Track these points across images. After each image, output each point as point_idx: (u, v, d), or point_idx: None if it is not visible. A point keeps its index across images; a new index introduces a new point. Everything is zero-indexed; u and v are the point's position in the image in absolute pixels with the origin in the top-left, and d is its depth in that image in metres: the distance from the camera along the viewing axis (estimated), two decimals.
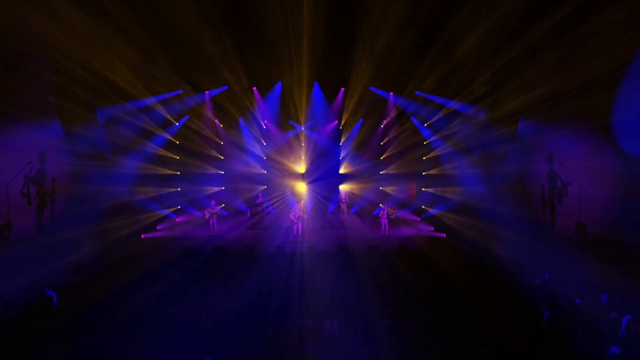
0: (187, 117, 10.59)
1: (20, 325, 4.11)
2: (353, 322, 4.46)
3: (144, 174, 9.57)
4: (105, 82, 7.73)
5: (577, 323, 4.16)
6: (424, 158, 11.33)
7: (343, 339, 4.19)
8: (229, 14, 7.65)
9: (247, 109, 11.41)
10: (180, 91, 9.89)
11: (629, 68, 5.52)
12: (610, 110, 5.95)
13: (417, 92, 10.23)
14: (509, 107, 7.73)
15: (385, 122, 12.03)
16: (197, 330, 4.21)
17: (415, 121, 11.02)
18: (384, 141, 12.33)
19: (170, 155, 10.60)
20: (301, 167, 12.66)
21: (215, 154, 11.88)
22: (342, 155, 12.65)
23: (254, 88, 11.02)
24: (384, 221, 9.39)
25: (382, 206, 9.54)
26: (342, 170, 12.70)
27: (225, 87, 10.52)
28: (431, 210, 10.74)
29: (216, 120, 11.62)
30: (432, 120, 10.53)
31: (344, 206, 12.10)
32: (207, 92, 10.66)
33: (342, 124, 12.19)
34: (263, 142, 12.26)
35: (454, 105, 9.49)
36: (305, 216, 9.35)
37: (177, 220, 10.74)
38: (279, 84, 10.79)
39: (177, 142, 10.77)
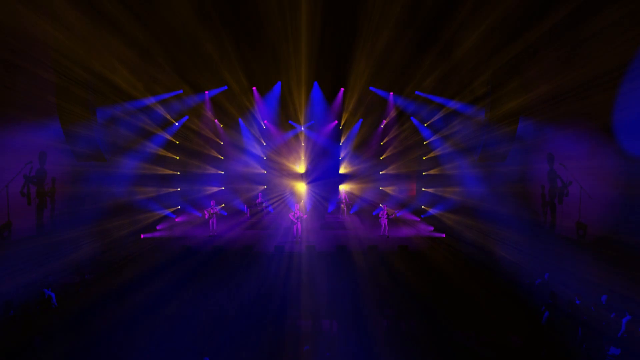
0: (187, 117, 10.60)
1: (19, 325, 4.11)
2: (352, 323, 4.45)
3: (144, 174, 9.58)
4: (104, 82, 7.74)
5: (577, 323, 4.15)
6: (424, 158, 11.32)
7: (342, 340, 4.18)
8: (228, 14, 7.66)
9: (246, 109, 11.41)
10: (180, 91, 9.90)
11: (629, 68, 5.50)
12: (610, 110, 5.94)
13: (417, 92, 10.22)
14: (509, 107, 7.72)
15: (385, 122, 12.02)
16: (195, 331, 4.20)
17: (415, 121, 11.01)
18: (384, 141, 12.32)
19: (170, 155, 10.61)
20: (301, 167, 12.66)
21: (215, 154, 11.89)
22: (341, 155, 12.64)
23: (254, 88, 11.02)
24: (384, 221, 9.38)
25: (382, 206, 9.53)
26: (341, 170, 12.69)
27: (225, 87, 10.53)
28: (431, 211, 10.72)
29: (216, 120, 11.62)
30: (432, 120, 10.52)
31: (343, 206, 12.10)
32: (206, 92, 10.67)
33: (342, 124, 12.19)
34: (263, 142, 12.26)
35: (454, 105, 9.49)
36: (305, 216, 9.34)
37: (176, 220, 10.74)
38: (279, 84, 10.78)
39: (177, 142, 10.78)
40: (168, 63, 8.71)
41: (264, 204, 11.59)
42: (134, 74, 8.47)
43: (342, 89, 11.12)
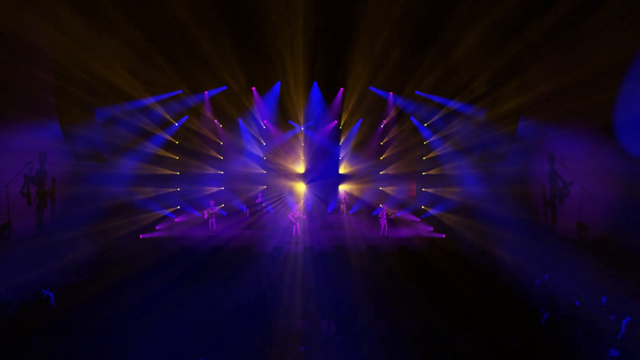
0: (186, 117, 10.61)
1: (17, 325, 4.12)
2: (350, 323, 4.44)
3: (144, 174, 9.60)
4: (104, 83, 7.76)
5: (576, 325, 4.11)
6: (423, 158, 11.28)
7: (340, 340, 4.17)
8: (227, 14, 7.65)
9: (246, 109, 11.41)
10: (180, 91, 9.91)
11: (630, 66, 5.46)
12: (611, 110, 5.89)
13: (416, 92, 10.19)
14: (509, 106, 7.68)
15: (384, 122, 11.98)
16: (193, 331, 4.20)
17: (415, 121, 10.97)
18: (384, 141, 12.29)
19: (169, 155, 10.62)
20: (300, 167, 12.65)
21: (214, 154, 11.90)
22: (341, 155, 12.62)
23: (253, 88, 11.02)
24: (384, 222, 9.36)
25: (382, 206, 9.50)
26: (341, 171, 12.67)
27: (225, 87, 10.53)
28: (431, 211, 10.69)
29: (215, 121, 11.63)
30: (432, 120, 10.48)
31: (343, 206, 12.08)
32: (206, 92, 10.67)
33: (341, 124, 12.16)
34: (262, 142, 12.25)
35: (453, 104, 9.45)
36: (304, 216, 9.34)
37: (176, 220, 10.75)
38: (278, 84, 10.78)
39: (177, 142, 10.79)
40: (167, 63, 8.72)
41: (264, 204, 11.59)
42: (133, 74, 8.49)
43: (342, 88, 11.10)
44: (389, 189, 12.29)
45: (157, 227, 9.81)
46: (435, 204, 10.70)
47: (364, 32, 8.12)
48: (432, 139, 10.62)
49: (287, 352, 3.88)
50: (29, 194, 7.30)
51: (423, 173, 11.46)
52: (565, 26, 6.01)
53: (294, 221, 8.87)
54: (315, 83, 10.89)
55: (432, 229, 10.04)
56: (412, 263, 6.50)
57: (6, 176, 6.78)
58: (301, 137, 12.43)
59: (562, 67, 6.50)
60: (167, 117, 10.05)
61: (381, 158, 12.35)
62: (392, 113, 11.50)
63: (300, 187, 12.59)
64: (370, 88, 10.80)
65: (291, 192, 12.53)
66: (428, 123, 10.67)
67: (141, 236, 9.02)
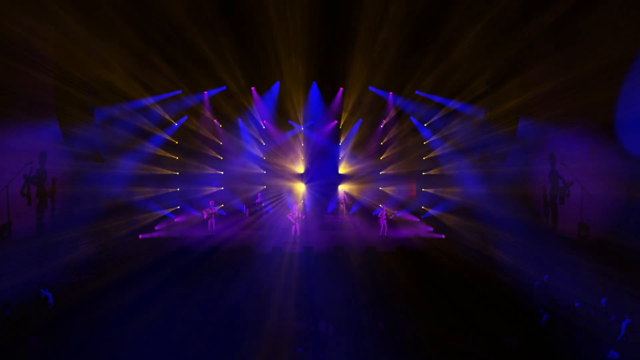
0: (185, 117, 10.62)
1: (15, 326, 4.13)
2: (348, 325, 4.42)
3: (143, 174, 9.61)
4: (103, 84, 7.77)
5: (576, 326, 4.08)
6: (423, 158, 11.25)
7: (337, 342, 4.15)
8: (226, 14, 7.66)
9: (245, 109, 11.42)
10: (179, 91, 9.92)
11: (631, 65, 5.42)
12: (612, 109, 5.85)
13: (416, 92, 10.16)
14: (509, 106, 7.65)
15: (384, 122, 11.96)
16: (191, 331, 4.20)
17: (414, 121, 10.94)
18: (384, 141, 12.26)
19: (169, 155, 10.64)
20: (300, 168, 12.64)
21: (214, 154, 11.90)
22: (341, 155, 12.59)
23: (252, 88, 11.02)
24: (383, 222, 9.33)
25: (382, 207, 9.48)
26: (341, 171, 12.65)
27: (224, 87, 10.54)
28: (431, 211, 10.65)
29: (215, 121, 11.63)
30: (432, 120, 10.45)
31: (343, 207, 12.05)
32: (205, 92, 10.68)
33: (341, 124, 12.14)
34: (262, 142, 12.25)
35: (453, 104, 9.41)
36: (304, 217, 9.32)
37: (175, 220, 10.76)
38: (277, 84, 10.77)
39: (177, 143, 10.81)
40: (166, 63, 8.74)
41: (263, 204, 11.59)
42: (132, 74, 8.50)
43: (341, 88, 11.08)
44: (388, 189, 12.26)
45: (156, 227, 9.82)
46: (435, 204, 10.66)
47: (364, 32, 8.10)
48: (432, 139, 10.58)
49: (282, 353, 3.87)
50: (29, 194, 7.32)
51: (423, 173, 11.43)
52: (564, 25, 5.97)
53: (293, 221, 8.86)
54: (314, 83, 10.87)
55: (431, 229, 10.00)
56: (411, 263, 6.48)
57: (6, 176, 6.81)
58: (301, 137, 12.42)
59: (562, 67, 6.46)
60: (167, 117, 10.06)
61: (381, 158, 12.32)
62: (392, 113, 11.47)
63: (300, 187, 12.58)
64: (370, 88, 10.78)
65: (290, 192, 12.52)
66: (428, 123, 10.64)
67: (140, 236, 9.03)
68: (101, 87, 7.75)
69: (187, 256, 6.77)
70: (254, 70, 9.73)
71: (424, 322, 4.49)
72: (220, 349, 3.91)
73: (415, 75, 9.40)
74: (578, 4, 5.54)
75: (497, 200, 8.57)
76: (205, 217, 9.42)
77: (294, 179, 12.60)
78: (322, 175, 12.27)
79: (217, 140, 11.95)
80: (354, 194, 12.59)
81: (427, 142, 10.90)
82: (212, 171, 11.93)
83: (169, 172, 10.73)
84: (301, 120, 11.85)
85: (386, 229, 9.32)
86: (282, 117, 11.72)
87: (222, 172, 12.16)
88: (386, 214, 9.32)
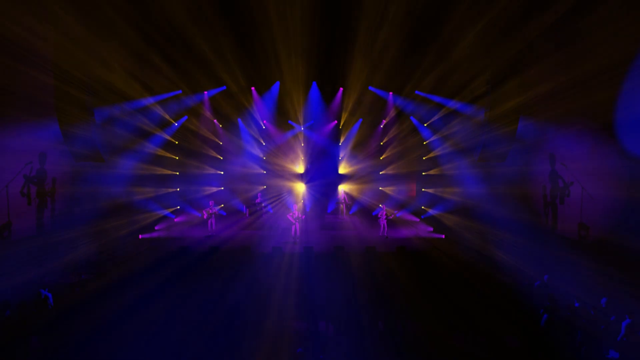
0: (185, 117, 10.62)
1: (15, 326, 4.13)
2: (348, 325, 4.42)
3: (143, 174, 9.61)
4: (103, 84, 7.77)
5: (576, 326, 4.08)
6: (423, 158, 11.25)
7: (337, 342, 4.15)
8: (226, 14, 7.66)
9: (245, 109, 11.41)
10: (179, 91, 9.92)
11: (631, 65, 5.41)
12: (612, 109, 5.85)
13: (416, 92, 10.16)
14: (509, 106, 7.64)
15: (384, 122, 11.95)
16: (190, 331, 4.20)
17: (414, 121, 10.94)
18: (384, 141, 12.26)
19: (169, 155, 10.64)
20: (300, 168, 12.64)
21: (214, 154, 11.90)
22: (341, 155, 12.59)
23: (252, 88, 11.02)
24: (383, 222, 9.33)
25: (382, 207, 9.48)
26: (341, 171, 12.65)
27: (224, 87, 10.53)
28: (431, 211, 10.65)
29: (215, 120, 11.63)
30: (432, 120, 10.45)
31: (343, 207, 12.05)
32: (205, 92, 10.68)
33: (341, 124, 12.14)
34: (262, 142, 12.25)
35: (453, 104, 9.41)
36: (303, 217, 9.32)
37: (175, 220, 10.76)
38: (277, 84, 10.77)
39: (177, 143, 10.81)
40: (166, 63, 8.74)
41: (263, 204, 11.59)
42: (132, 74, 8.50)
43: (341, 88, 11.08)
44: (388, 189, 12.26)
45: (156, 227, 9.82)
46: (435, 204, 10.66)
47: (364, 32, 8.10)
48: (432, 139, 10.58)
49: (282, 353, 3.87)
50: (29, 194, 7.32)
51: (423, 173, 11.42)
52: (564, 25, 5.97)
53: (293, 221, 8.86)
54: (314, 83, 10.87)
55: (431, 229, 10.00)
56: (411, 264, 6.48)
57: (6, 176, 6.81)
58: (301, 137, 12.41)
59: (562, 67, 6.46)
60: (167, 117, 10.06)
61: (381, 158, 12.32)
62: (392, 113, 11.47)
63: (300, 187, 12.58)
64: (370, 88, 10.78)
65: (290, 192, 12.52)
66: (428, 123, 10.63)
67: (140, 236, 9.03)
68: (101, 87, 7.74)
69: (187, 256, 6.77)
70: (254, 70, 9.73)
71: (424, 322, 4.49)
72: (220, 349, 3.91)
73: (415, 75, 9.40)
74: (578, 4, 5.54)
75: (497, 200, 8.57)
76: (205, 217, 9.42)
77: (294, 179, 12.59)
78: (322, 175, 12.26)
79: (217, 140, 11.94)
80: (354, 194, 12.59)
81: (427, 142, 10.90)
82: (212, 171, 11.93)
83: (169, 172, 10.73)
84: (301, 120, 11.85)
85: (386, 229, 9.32)
86: (282, 117, 11.72)
87: (222, 172, 12.16)
88: (386, 214, 9.32)
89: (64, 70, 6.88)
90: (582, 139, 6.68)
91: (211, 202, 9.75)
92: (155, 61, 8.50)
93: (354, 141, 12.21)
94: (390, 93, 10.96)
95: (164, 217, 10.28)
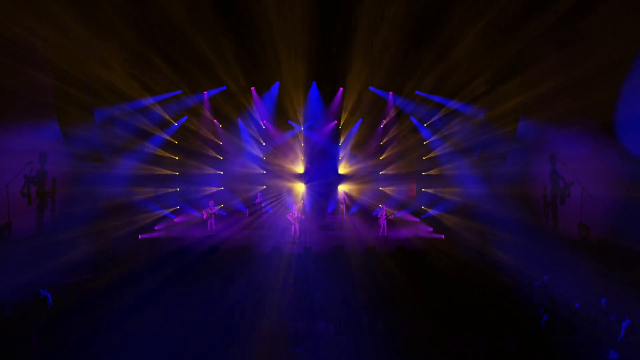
0: (185, 118, 10.63)
1: (14, 326, 4.14)
2: (347, 325, 4.41)
3: (143, 174, 9.62)
4: (103, 84, 7.78)
5: (575, 327, 4.07)
6: (423, 158, 11.24)
7: (336, 342, 4.14)
8: (226, 15, 7.66)
9: (245, 109, 11.42)
10: (179, 91, 9.93)
11: (631, 65, 5.40)
12: (612, 109, 5.84)
13: (416, 92, 10.15)
14: (509, 106, 7.63)
15: (384, 122, 11.94)
16: (189, 330, 4.20)
17: (414, 121, 10.93)
18: (384, 141, 12.25)
19: (169, 155, 10.65)
20: (300, 168, 12.64)
21: (214, 154, 11.91)
22: (341, 155, 12.59)
23: (252, 88, 11.02)
24: (383, 222, 9.32)
25: (381, 207, 9.47)
26: (341, 171, 12.64)
27: (224, 87, 10.54)
28: (431, 211, 10.64)
29: (215, 121, 11.64)
30: (432, 120, 10.44)
31: (342, 207, 12.04)
32: (205, 92, 10.68)
33: (341, 123, 12.14)
34: (262, 142, 12.26)
35: (453, 104, 9.40)
36: (303, 217, 9.31)
37: (175, 220, 10.77)
38: (277, 84, 10.77)
39: (176, 143, 10.82)
40: (166, 64, 8.74)
41: (263, 204, 11.58)
42: (132, 74, 8.51)
43: (341, 88, 11.07)
44: (388, 189, 12.25)
45: (155, 227, 9.82)
46: (435, 205, 10.65)
47: (363, 32, 8.09)
48: (432, 139, 10.57)
49: (281, 353, 3.86)
50: (29, 194, 7.33)
51: (423, 173, 11.41)
52: (565, 25, 5.96)
53: (293, 222, 8.85)
54: (314, 83, 10.87)
55: (431, 229, 9.98)
56: (411, 264, 6.47)
57: (6, 176, 6.82)
58: (300, 137, 12.41)
59: (562, 67, 6.44)
60: (167, 117, 10.07)
61: (381, 158, 12.31)
62: (392, 113, 11.46)
63: (300, 188, 12.58)
64: (370, 88, 10.77)
65: (290, 192, 12.52)
66: (428, 123, 10.63)
67: (140, 236, 9.03)
68: (101, 87, 7.75)
69: (186, 256, 6.77)
70: (254, 70, 9.73)
71: (424, 322, 4.48)
72: (220, 348, 3.91)
73: (415, 75, 9.39)
74: (578, 4, 5.53)
75: (497, 200, 8.56)
76: (205, 217, 9.43)
77: (294, 179, 12.59)
78: (321, 175, 12.25)
79: (217, 140, 11.95)
80: (354, 194, 12.58)
81: (427, 142, 10.89)
82: (212, 171, 11.93)
83: (169, 172, 10.74)
84: (301, 120, 11.85)
85: (386, 229, 9.31)
86: (281, 117, 11.71)
87: (222, 172, 12.16)
88: (386, 214, 9.31)
89: (64, 70, 6.89)
90: (582, 139, 6.66)
91: (211, 202, 9.75)
92: (155, 61, 8.50)
93: (354, 141, 12.20)
94: (390, 93, 10.94)
95: (164, 217, 10.29)
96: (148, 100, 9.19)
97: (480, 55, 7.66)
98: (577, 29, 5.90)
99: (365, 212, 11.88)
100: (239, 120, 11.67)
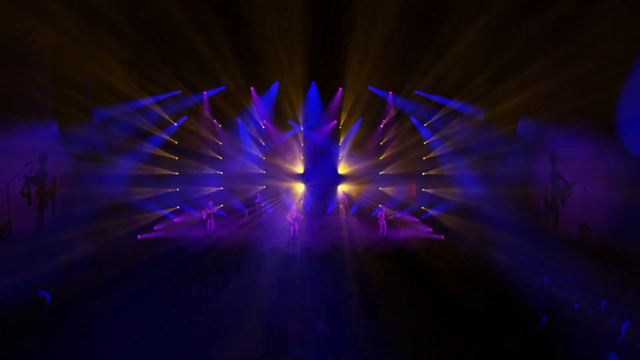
0: (185, 118, 10.64)
1: (12, 326, 4.14)
2: (345, 326, 4.40)
3: (143, 174, 9.64)
4: (102, 84, 7.80)
5: (575, 329, 4.04)
6: (423, 158, 11.20)
7: (332, 343, 4.13)
8: (225, 15, 7.66)
9: (245, 109, 11.42)
10: (179, 92, 9.94)
11: (632, 64, 5.35)
12: (613, 109, 5.79)
13: (416, 92, 10.12)
14: (509, 106, 7.59)
15: (384, 122, 11.92)
16: (187, 331, 4.20)
17: (414, 121, 10.90)
18: (383, 141, 12.22)
19: (168, 155, 10.66)
20: (299, 168, 12.63)
21: (213, 154, 11.92)
22: (340, 155, 12.57)
23: (252, 88, 11.02)
24: (382, 222, 9.29)
25: (381, 207, 9.44)
26: (340, 171, 12.62)
27: (223, 87, 10.54)
28: (431, 212, 10.60)
29: (214, 121, 11.64)
30: (432, 120, 10.41)
31: (342, 207, 12.02)
32: (204, 92, 10.69)
33: (340, 124, 12.12)
34: (262, 142, 12.25)
35: (453, 104, 9.37)
36: (302, 217, 9.29)
37: (175, 220, 10.78)
38: (276, 83, 10.76)
39: (176, 143, 10.83)
40: (165, 64, 8.75)
41: (263, 204, 11.58)
42: (133, 75, 8.52)
43: (341, 88, 11.05)
44: (388, 190, 12.22)
45: (155, 228, 9.84)
46: (435, 205, 10.61)
47: (363, 32, 8.07)
48: (431, 139, 10.53)
49: (277, 354, 3.85)
50: (29, 194, 7.36)
51: (423, 173, 11.38)
52: (565, 24, 5.91)
53: (292, 222, 8.84)
54: (313, 83, 10.85)
55: (431, 229, 9.95)
56: (410, 264, 6.45)
57: (6, 176, 6.84)
58: (300, 137, 12.40)
59: (562, 65, 6.40)
60: (166, 117, 10.08)
61: (380, 158, 12.29)
62: (392, 113, 11.43)
63: (299, 187, 12.57)
64: (370, 88, 10.74)
65: (290, 192, 12.51)
66: (428, 123, 10.59)
67: (139, 236, 9.05)
68: (100, 87, 7.77)
69: (185, 256, 6.77)
70: (253, 70, 9.73)
71: (423, 322, 4.46)
72: (216, 348, 3.90)
73: (415, 75, 9.36)
74: (578, 4, 5.48)
75: (497, 200, 8.52)
76: (204, 217, 9.43)
77: (294, 179, 12.58)
78: (321, 175, 12.24)
79: (216, 140, 11.95)
80: (354, 194, 12.55)
81: (426, 142, 10.85)
82: (211, 171, 11.94)
83: (169, 172, 10.75)
84: (300, 120, 11.84)
85: (385, 229, 9.28)
86: (281, 117, 11.71)
87: (221, 172, 12.17)
88: (385, 215, 9.28)
89: (64, 70, 6.91)
90: (582, 139, 6.62)
91: (210, 202, 9.76)
92: (155, 61, 8.51)
93: (354, 141, 12.18)
94: (390, 93, 10.92)
95: (163, 217, 10.30)
96: (147, 101, 9.20)
97: (480, 55, 7.62)
98: (577, 28, 5.85)
99: (364, 212, 11.86)
100: (239, 120, 11.67)
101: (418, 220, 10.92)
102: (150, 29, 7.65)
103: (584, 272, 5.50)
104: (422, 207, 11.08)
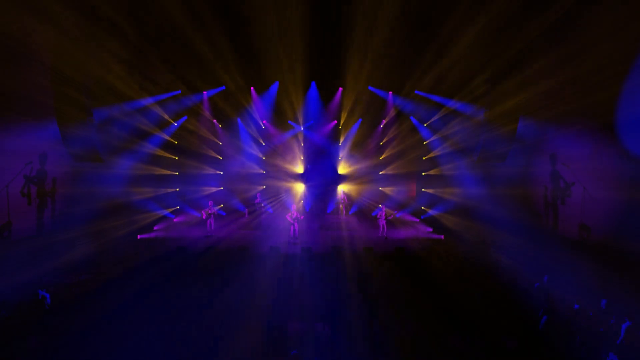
0: (185, 118, 10.64)
1: (12, 326, 4.15)
2: (345, 326, 4.40)
3: (143, 174, 9.64)
4: (102, 84, 7.80)
5: (575, 329, 4.04)
6: (423, 158, 11.21)
7: (332, 343, 4.13)
8: (225, 15, 7.66)
9: (245, 109, 11.42)
10: (179, 92, 9.94)
11: (632, 64, 5.36)
12: (613, 109, 5.79)
13: (416, 92, 10.12)
14: (509, 105, 7.59)
15: (384, 122, 11.92)
16: (187, 331, 4.20)
17: (414, 121, 10.90)
18: (383, 141, 12.23)
19: (168, 155, 10.66)
20: (299, 168, 12.63)
21: (213, 154, 11.92)
22: (340, 155, 12.57)
23: (252, 88, 11.02)
24: (382, 222, 9.30)
25: (381, 207, 9.45)
26: (340, 171, 12.62)
27: (223, 87, 10.54)
28: (431, 212, 10.61)
29: (214, 121, 11.65)
30: (432, 120, 10.41)
31: (342, 207, 12.02)
32: (204, 92, 10.69)
33: (340, 124, 12.12)
34: (262, 142, 12.26)
35: (453, 104, 9.37)
36: (302, 217, 9.30)
37: (175, 220, 10.79)
38: (276, 84, 10.76)
39: (176, 143, 10.84)
40: (165, 64, 8.75)
41: (263, 204, 11.59)
42: (132, 75, 8.53)
43: (341, 88, 11.06)
44: (388, 190, 12.22)
45: (155, 228, 9.84)
46: (435, 205, 10.61)
47: (363, 32, 8.07)
48: (431, 139, 10.53)
49: (277, 354, 3.85)
50: (29, 194, 7.36)
51: (423, 173, 11.38)
52: (565, 24, 5.91)
53: (292, 221, 8.85)
54: (313, 83, 10.86)
55: (431, 229, 9.96)
56: (410, 264, 6.45)
57: (6, 176, 6.85)
58: (300, 137, 12.40)
59: (562, 65, 6.40)
60: (166, 117, 10.09)
61: (381, 158, 12.29)
62: (392, 113, 11.43)
63: (299, 187, 12.57)
64: (370, 88, 10.75)
65: (290, 192, 12.51)
66: (428, 123, 10.59)
67: (139, 236, 9.05)
68: (100, 87, 7.77)
69: (185, 256, 6.77)
70: (253, 70, 9.73)
71: (423, 322, 4.46)
72: (216, 348, 3.90)
73: (415, 75, 9.36)
74: (578, 4, 5.49)
75: (497, 200, 8.52)
76: (204, 217, 9.43)
77: (294, 179, 12.59)
78: (321, 175, 12.25)
79: (216, 140, 11.96)
80: (354, 194, 12.56)
81: (426, 142, 10.85)
82: (211, 171, 11.94)
83: (169, 172, 10.75)
84: (300, 120, 11.84)
85: (385, 229, 9.29)
86: (281, 117, 11.71)
87: (221, 172, 12.17)
88: (385, 215, 9.29)
89: (64, 70, 6.91)
90: (582, 139, 6.62)
91: (210, 202, 9.76)
92: (155, 61, 8.51)
93: (354, 141, 12.18)
94: (390, 93, 10.92)
95: (164, 217, 10.30)
96: (147, 101, 9.20)
97: (480, 55, 7.63)
98: (577, 28, 5.85)
99: (364, 212, 11.87)
100: (239, 120, 11.68)
101: (418, 220, 10.93)
102: (150, 29, 7.65)
103: (584, 272, 5.49)
104: (422, 207, 11.08)
